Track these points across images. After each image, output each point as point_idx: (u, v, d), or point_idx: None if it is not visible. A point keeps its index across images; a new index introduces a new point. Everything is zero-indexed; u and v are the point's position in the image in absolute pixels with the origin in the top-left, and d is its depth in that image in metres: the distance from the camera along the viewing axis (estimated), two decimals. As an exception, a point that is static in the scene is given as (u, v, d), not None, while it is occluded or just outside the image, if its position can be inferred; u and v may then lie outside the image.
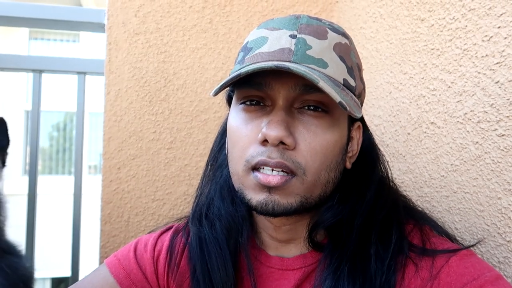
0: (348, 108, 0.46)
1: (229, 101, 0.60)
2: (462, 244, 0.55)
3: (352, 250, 0.53)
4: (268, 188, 0.49)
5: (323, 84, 0.45)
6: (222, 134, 0.64)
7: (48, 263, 5.66)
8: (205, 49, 1.09)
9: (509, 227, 0.56)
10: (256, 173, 0.49)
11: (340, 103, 0.46)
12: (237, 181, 0.53)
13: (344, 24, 1.06)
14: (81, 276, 0.64)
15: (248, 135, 0.51)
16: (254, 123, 0.51)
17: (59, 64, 1.19)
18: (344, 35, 0.55)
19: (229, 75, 0.55)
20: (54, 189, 6.09)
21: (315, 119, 0.50)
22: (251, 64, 0.50)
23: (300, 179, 0.49)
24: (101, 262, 1.05)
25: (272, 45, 0.51)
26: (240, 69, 0.52)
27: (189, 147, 1.08)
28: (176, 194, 1.07)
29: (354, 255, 0.52)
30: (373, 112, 0.92)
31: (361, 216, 0.54)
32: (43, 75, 1.20)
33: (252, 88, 0.51)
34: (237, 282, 0.58)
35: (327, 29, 0.53)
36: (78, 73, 1.20)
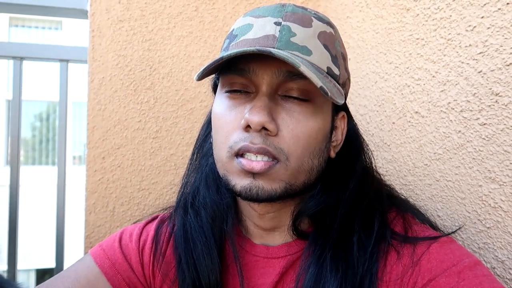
0: (329, 94, 0.47)
1: (214, 89, 0.60)
2: (443, 232, 0.56)
3: (335, 238, 0.53)
4: (252, 174, 0.49)
5: (304, 69, 0.45)
6: (209, 123, 0.64)
7: (32, 254, 5.60)
8: (191, 37, 1.08)
9: (489, 214, 0.58)
10: (240, 159, 0.50)
11: (321, 88, 0.46)
12: (221, 167, 0.53)
13: (331, 13, 1.06)
14: (66, 267, 0.64)
15: (232, 122, 0.51)
16: (237, 109, 0.51)
17: (40, 51, 1.16)
18: (329, 24, 0.55)
19: None
20: (38, 180, 5.99)
21: (298, 106, 0.51)
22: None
23: (283, 165, 0.50)
24: (86, 253, 1.04)
25: (257, 32, 0.51)
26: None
27: (175, 136, 1.07)
28: (162, 184, 1.07)
29: (337, 243, 0.53)
30: (358, 101, 0.93)
31: (344, 205, 0.55)
32: (24, 62, 1.17)
33: (236, 74, 0.51)
34: (223, 270, 0.58)
35: (312, 18, 0.53)
36: (61, 60, 1.18)
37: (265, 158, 0.49)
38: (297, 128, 0.50)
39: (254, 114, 0.48)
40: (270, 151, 0.49)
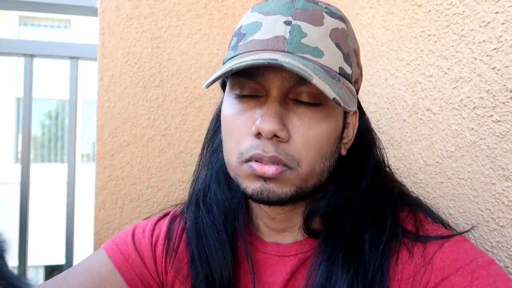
0: (342, 104, 0.46)
1: (223, 86, 0.59)
2: (456, 230, 0.55)
3: (347, 236, 0.53)
4: (264, 178, 0.49)
5: (317, 81, 0.45)
6: (217, 118, 0.63)
7: (42, 251, 5.66)
8: (200, 35, 1.08)
9: (503, 212, 0.57)
10: (251, 163, 0.49)
11: (334, 99, 0.45)
12: (231, 170, 0.53)
13: (340, 10, 1.05)
14: (75, 263, 0.64)
15: (242, 127, 0.50)
16: (248, 114, 0.51)
17: (51, 49, 1.17)
18: (342, 19, 0.54)
19: (222, 62, 0.54)
20: (47, 177, 6.05)
21: (309, 110, 0.50)
22: (244, 53, 0.49)
23: (295, 171, 0.49)
24: (95, 249, 1.05)
25: (266, 33, 0.49)
26: (233, 57, 0.51)
27: (183, 133, 1.07)
28: (171, 181, 1.07)
29: (349, 241, 0.53)
30: (368, 99, 0.92)
31: (356, 203, 0.54)
32: (35, 60, 1.18)
33: (246, 77, 0.50)
34: (235, 266, 0.58)
35: (324, 14, 0.51)
36: (71, 58, 1.18)
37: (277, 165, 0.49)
38: (308, 134, 0.49)
39: (266, 122, 0.47)
40: (282, 159, 0.48)
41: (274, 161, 0.48)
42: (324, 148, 0.51)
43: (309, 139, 0.49)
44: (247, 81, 0.50)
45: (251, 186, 0.50)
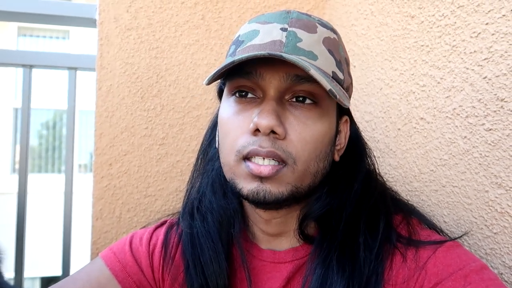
0: (338, 96, 0.48)
1: (220, 94, 0.60)
2: (449, 236, 0.56)
3: (341, 239, 0.54)
4: (260, 178, 0.50)
5: (314, 72, 0.46)
6: (213, 128, 0.65)
7: (39, 262, 5.61)
8: (197, 45, 1.09)
9: (496, 219, 0.58)
10: (248, 163, 0.50)
11: (330, 91, 0.47)
12: (228, 171, 0.54)
13: (336, 21, 1.07)
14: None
15: (240, 126, 0.52)
16: (245, 114, 0.52)
17: (50, 59, 1.18)
18: (333, 30, 0.56)
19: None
20: (44, 188, 6.02)
21: (305, 110, 0.51)
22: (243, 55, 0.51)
23: (290, 168, 0.50)
24: (92, 259, 1.04)
25: (264, 38, 0.51)
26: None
27: (181, 143, 1.08)
28: (168, 190, 1.07)
29: (343, 244, 0.53)
30: (364, 108, 0.93)
31: (349, 206, 0.55)
32: (33, 70, 1.19)
33: (242, 77, 0.52)
34: (230, 275, 0.58)
35: (317, 24, 0.54)
36: (69, 68, 1.19)
37: (273, 162, 0.50)
38: (305, 132, 0.51)
39: (263, 118, 0.48)
40: (278, 154, 0.49)
41: (271, 155, 0.49)
42: (319, 147, 0.52)
43: (305, 136, 0.51)
44: (244, 81, 0.52)
45: (247, 187, 0.51)
